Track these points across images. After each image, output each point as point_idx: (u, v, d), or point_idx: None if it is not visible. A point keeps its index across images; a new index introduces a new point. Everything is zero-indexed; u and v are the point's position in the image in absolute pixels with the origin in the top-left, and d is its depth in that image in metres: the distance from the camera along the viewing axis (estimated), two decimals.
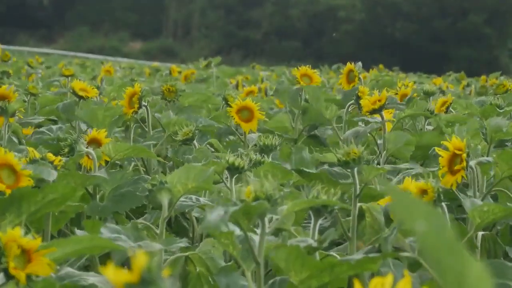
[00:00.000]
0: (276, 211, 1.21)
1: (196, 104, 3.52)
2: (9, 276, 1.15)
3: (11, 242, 1.14)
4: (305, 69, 3.34)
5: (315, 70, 3.37)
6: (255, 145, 2.54)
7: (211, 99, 3.63)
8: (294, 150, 2.09)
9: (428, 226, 0.52)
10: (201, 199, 1.71)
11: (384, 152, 2.48)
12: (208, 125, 3.04)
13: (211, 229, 1.15)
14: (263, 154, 2.11)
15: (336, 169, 1.86)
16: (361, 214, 1.75)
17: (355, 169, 1.61)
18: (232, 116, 2.84)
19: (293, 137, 3.32)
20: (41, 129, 3.14)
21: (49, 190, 1.50)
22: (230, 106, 2.91)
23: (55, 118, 3.81)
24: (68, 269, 1.30)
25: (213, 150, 2.68)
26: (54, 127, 3.14)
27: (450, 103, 3.17)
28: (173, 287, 0.70)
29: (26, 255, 1.16)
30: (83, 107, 3.10)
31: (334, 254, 1.52)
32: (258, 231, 1.23)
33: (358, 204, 1.69)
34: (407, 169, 2.13)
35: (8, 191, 1.57)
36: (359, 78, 3.23)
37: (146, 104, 2.91)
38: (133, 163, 2.78)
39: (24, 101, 3.84)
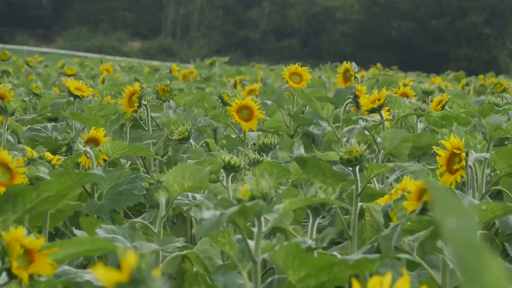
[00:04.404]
0: (272, 209, 1.20)
1: (191, 103, 3.50)
2: (12, 276, 1.14)
3: (14, 241, 1.14)
4: (295, 67, 3.32)
5: (305, 68, 3.35)
6: (254, 144, 2.53)
7: (206, 98, 3.62)
8: (295, 144, 2.08)
9: (458, 224, 0.55)
10: (198, 196, 1.70)
11: (382, 150, 2.46)
12: (208, 124, 3.03)
13: (208, 232, 1.14)
14: (262, 153, 2.10)
15: (336, 167, 1.85)
16: (361, 213, 1.73)
17: (357, 168, 1.60)
18: (232, 115, 2.84)
19: (289, 134, 3.30)
20: (35, 127, 3.12)
21: (44, 188, 1.49)
22: (226, 104, 2.88)
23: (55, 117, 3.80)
24: (64, 267, 1.30)
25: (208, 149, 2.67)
26: (49, 125, 3.12)
27: (446, 102, 3.15)
28: (163, 287, 0.70)
29: (28, 255, 1.15)
30: (84, 107, 3.09)
31: (335, 253, 1.51)
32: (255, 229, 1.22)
33: (359, 204, 1.67)
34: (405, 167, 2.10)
35: (3, 189, 1.56)
36: (356, 77, 3.22)
37: (146, 103, 2.90)
38: (129, 162, 2.77)
39: (24, 101, 3.83)
